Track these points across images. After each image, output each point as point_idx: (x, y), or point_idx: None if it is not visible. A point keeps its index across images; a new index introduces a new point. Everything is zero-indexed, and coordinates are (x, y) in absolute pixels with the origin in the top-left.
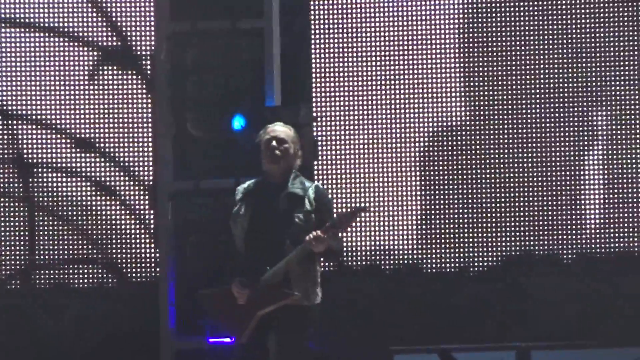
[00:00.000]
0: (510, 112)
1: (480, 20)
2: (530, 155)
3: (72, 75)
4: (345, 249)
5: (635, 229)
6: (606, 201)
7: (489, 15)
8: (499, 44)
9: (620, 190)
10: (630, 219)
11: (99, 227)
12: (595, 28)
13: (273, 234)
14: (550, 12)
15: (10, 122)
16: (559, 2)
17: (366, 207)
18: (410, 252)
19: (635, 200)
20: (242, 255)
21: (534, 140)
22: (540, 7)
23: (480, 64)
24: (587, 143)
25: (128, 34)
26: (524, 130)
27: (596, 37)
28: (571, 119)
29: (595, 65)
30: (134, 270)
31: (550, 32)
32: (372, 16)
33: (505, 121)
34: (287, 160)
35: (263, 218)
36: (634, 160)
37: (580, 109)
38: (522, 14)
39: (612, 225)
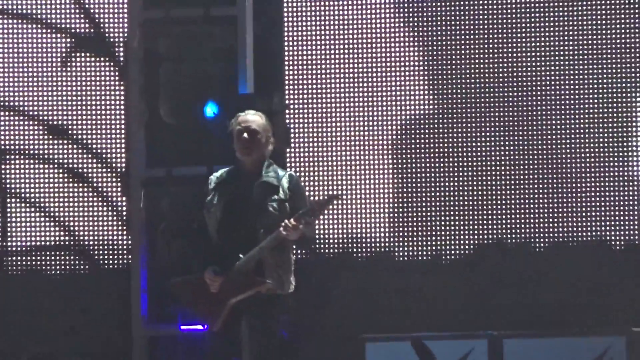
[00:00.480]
0: (481, 100)
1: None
2: (503, 144)
3: (44, 62)
4: (318, 236)
5: (607, 218)
6: (577, 191)
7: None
8: (464, 33)
9: (591, 180)
10: (602, 208)
11: (71, 214)
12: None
13: (246, 223)
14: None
15: None
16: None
17: (339, 194)
18: (382, 240)
19: (606, 190)
20: (215, 244)
21: (507, 129)
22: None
23: (450, 50)
24: (559, 133)
25: (101, 20)
26: (497, 120)
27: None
28: (543, 108)
29: (559, 56)
30: (106, 257)
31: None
32: (345, 4)
33: (478, 110)
34: (260, 150)
35: (236, 207)
36: (605, 150)
37: (549, 98)
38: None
39: (583, 214)
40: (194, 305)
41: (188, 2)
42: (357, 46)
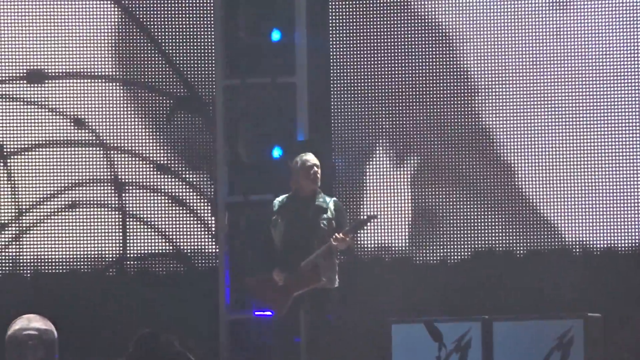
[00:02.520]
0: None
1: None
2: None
3: (155, 118)
4: (356, 246)
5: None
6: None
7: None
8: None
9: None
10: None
11: (175, 229)
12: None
13: (303, 236)
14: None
15: (110, 152)
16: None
17: (375, 215)
18: (403, 247)
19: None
20: (280, 252)
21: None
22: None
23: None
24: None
25: (195, 86)
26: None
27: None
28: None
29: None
30: (199, 261)
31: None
32: (379, 72)
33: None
34: (318, 180)
35: (296, 224)
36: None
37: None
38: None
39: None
40: (265, 296)
41: (259, 73)
42: (388, 102)
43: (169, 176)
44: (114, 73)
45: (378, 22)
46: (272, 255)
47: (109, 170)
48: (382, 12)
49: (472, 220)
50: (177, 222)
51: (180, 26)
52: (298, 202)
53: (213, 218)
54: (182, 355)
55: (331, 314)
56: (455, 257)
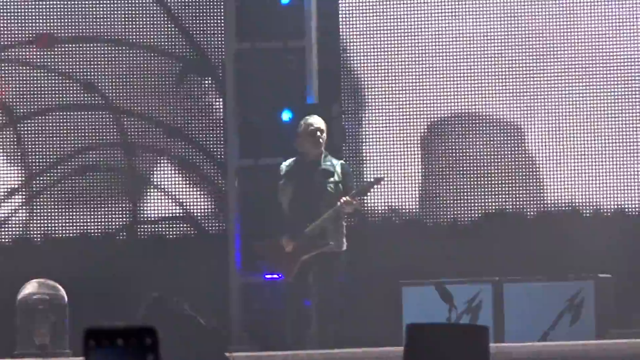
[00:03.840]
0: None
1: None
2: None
3: (165, 80)
4: (364, 208)
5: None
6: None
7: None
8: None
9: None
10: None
11: (185, 192)
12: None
13: (311, 199)
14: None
15: (119, 115)
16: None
17: (382, 177)
18: (414, 209)
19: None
20: (287, 216)
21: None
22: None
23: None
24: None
25: (205, 49)
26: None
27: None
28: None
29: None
30: (209, 225)
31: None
32: (387, 44)
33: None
34: (322, 145)
35: (303, 188)
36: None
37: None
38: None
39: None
40: (274, 260)
41: (269, 37)
42: (394, 70)
43: (179, 140)
44: (123, 36)
45: None
46: (281, 219)
47: (118, 134)
48: None
49: (483, 182)
50: (188, 186)
51: None
52: (304, 165)
53: (223, 181)
54: (191, 319)
55: (341, 277)
56: (466, 219)
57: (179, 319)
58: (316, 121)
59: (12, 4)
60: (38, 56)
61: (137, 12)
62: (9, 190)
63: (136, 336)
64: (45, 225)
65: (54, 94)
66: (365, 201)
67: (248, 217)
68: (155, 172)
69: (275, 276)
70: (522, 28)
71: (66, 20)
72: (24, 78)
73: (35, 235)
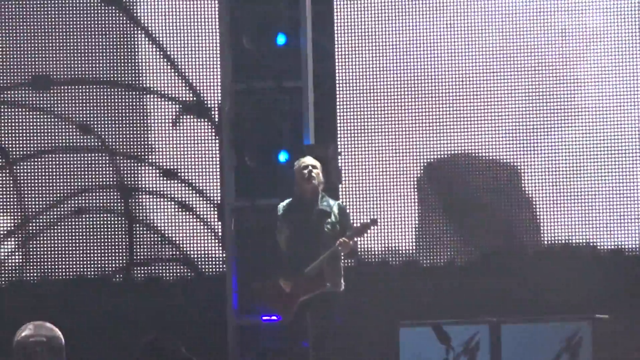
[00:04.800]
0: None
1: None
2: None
3: (161, 122)
4: (360, 249)
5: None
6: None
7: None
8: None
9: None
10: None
11: (181, 234)
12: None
13: (308, 240)
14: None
15: (115, 157)
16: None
17: (376, 219)
18: (409, 250)
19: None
20: (285, 256)
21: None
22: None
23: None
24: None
25: (202, 92)
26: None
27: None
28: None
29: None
30: (206, 267)
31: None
32: (384, 81)
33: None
34: (316, 185)
35: (301, 228)
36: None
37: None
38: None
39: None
40: (271, 302)
41: (265, 77)
42: (391, 112)
43: (175, 181)
44: (119, 78)
45: (383, 25)
46: (279, 260)
47: (115, 176)
48: (386, 14)
49: (479, 222)
50: (184, 228)
51: (186, 31)
52: (301, 206)
53: (220, 223)
54: None
55: (338, 317)
56: (462, 259)
57: None
58: (308, 159)
59: (8, 45)
60: (34, 98)
61: (133, 54)
62: (5, 232)
63: None
64: (42, 267)
65: (50, 136)
66: (362, 242)
67: (245, 258)
68: (151, 214)
69: (273, 317)
70: (518, 68)
71: (62, 62)
72: (20, 120)
73: (31, 277)
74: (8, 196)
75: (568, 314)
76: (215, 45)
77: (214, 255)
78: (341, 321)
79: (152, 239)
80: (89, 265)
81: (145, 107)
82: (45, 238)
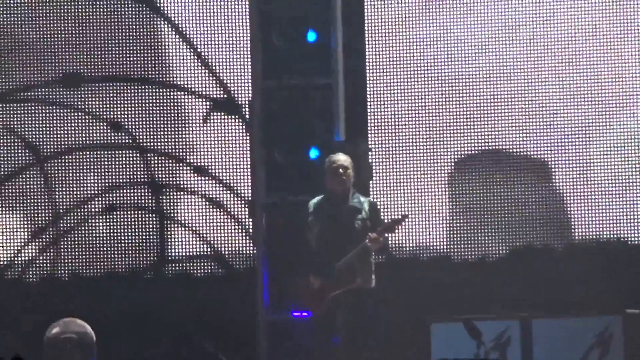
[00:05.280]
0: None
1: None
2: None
3: (192, 119)
4: (391, 245)
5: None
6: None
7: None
8: None
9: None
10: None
11: (213, 230)
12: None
13: (339, 237)
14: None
15: (147, 155)
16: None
17: (407, 215)
18: (441, 246)
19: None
20: (316, 252)
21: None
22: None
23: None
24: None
25: (233, 88)
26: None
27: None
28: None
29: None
30: (237, 263)
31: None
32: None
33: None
34: (349, 182)
35: (331, 225)
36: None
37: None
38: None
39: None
40: (302, 298)
41: (295, 74)
42: (421, 105)
43: (207, 178)
44: (149, 75)
45: (413, 21)
46: (309, 256)
47: (146, 173)
48: (417, 10)
49: (510, 218)
50: (215, 224)
51: (217, 28)
52: (332, 203)
53: (250, 220)
54: (214, 356)
55: (369, 314)
56: (493, 254)
57: (202, 357)
58: (341, 159)
59: (39, 43)
60: (65, 96)
61: (164, 51)
62: (37, 229)
63: None
64: (73, 263)
65: (81, 134)
66: (393, 238)
67: (276, 255)
68: (182, 211)
69: (304, 313)
70: (549, 64)
71: (93, 60)
72: (51, 117)
73: (62, 274)
74: (39, 193)
75: (599, 309)
76: (246, 42)
77: (244, 252)
78: (372, 317)
79: (183, 235)
80: (120, 262)
81: (175, 104)
82: (76, 235)
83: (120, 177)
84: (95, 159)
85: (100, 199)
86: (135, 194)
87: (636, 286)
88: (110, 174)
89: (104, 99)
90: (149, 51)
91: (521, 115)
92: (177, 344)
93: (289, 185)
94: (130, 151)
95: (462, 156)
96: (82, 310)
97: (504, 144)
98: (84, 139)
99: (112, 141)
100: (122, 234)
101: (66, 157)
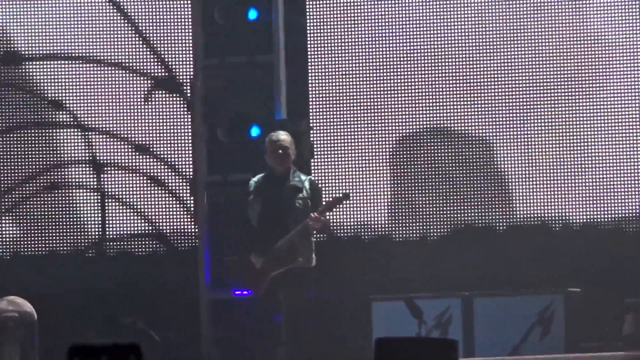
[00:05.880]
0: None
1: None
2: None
3: (133, 98)
4: (332, 224)
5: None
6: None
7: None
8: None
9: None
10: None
11: (154, 209)
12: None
13: (280, 215)
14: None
15: (88, 133)
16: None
17: (348, 194)
18: (382, 225)
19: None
20: (256, 231)
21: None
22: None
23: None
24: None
25: (174, 66)
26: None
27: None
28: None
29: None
30: (179, 241)
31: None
32: (358, 54)
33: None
34: (289, 161)
35: (271, 204)
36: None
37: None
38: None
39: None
40: (243, 276)
41: (237, 52)
42: (367, 89)
43: (148, 157)
44: (90, 54)
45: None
46: (250, 235)
47: (87, 151)
48: None
49: (452, 197)
50: (157, 203)
51: (157, 6)
52: (273, 181)
53: (192, 198)
54: (145, 333)
55: (310, 293)
56: (435, 233)
57: (132, 335)
58: (281, 137)
59: None
60: (5, 73)
61: (104, 29)
62: None
63: (120, 353)
64: (14, 242)
65: (22, 112)
66: (334, 217)
67: (217, 234)
68: (123, 189)
69: (245, 292)
70: (489, 39)
71: (33, 38)
72: None
73: (4, 253)
74: None
75: (540, 287)
76: (187, 20)
77: (186, 230)
78: (314, 296)
79: (124, 214)
80: (61, 241)
81: (116, 82)
82: (17, 213)
83: (62, 155)
84: (36, 138)
85: (41, 177)
86: (77, 173)
87: (577, 265)
88: (51, 152)
89: (44, 77)
90: (90, 29)
91: (463, 93)
92: (112, 322)
93: (230, 164)
94: (72, 129)
95: (404, 134)
96: (24, 289)
97: (445, 123)
98: (25, 117)
99: (53, 119)
100: (64, 212)
101: (7, 135)
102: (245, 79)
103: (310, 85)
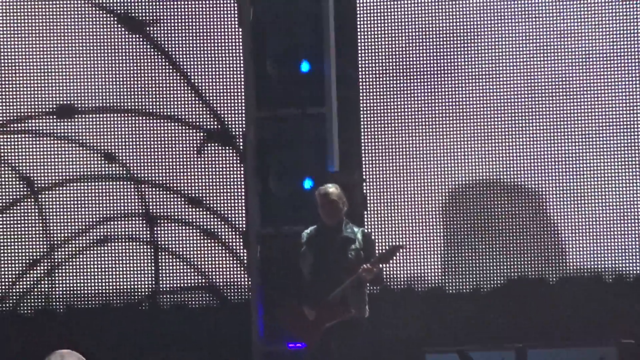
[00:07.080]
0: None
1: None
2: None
3: (186, 150)
4: (385, 276)
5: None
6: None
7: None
8: None
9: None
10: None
11: (207, 262)
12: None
13: (332, 267)
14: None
15: (140, 186)
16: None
17: (402, 245)
18: (435, 276)
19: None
20: (308, 283)
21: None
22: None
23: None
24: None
25: (226, 119)
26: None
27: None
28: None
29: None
30: (232, 294)
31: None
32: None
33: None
34: (338, 214)
35: (324, 255)
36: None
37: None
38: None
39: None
40: (296, 329)
41: (289, 104)
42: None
43: (201, 209)
44: (143, 106)
45: (406, 50)
46: (303, 287)
47: (140, 204)
48: (410, 40)
49: (504, 249)
50: (210, 255)
51: (210, 59)
52: (325, 233)
53: (245, 250)
54: None
55: (363, 344)
56: (488, 285)
57: None
58: (330, 190)
59: (33, 74)
60: (59, 127)
61: (157, 82)
62: (32, 261)
63: None
64: (68, 295)
65: (75, 165)
66: (387, 269)
67: (270, 286)
68: (176, 242)
69: (298, 345)
70: (543, 95)
71: (87, 91)
72: (45, 149)
73: (57, 306)
74: (33, 225)
75: (594, 339)
76: (239, 72)
77: (239, 283)
78: (366, 348)
79: (177, 266)
80: (115, 294)
81: (169, 134)
82: (71, 266)
83: (115, 208)
84: (89, 191)
85: (94, 230)
86: (130, 226)
87: (631, 317)
88: (104, 205)
89: (98, 130)
90: (143, 82)
91: (515, 146)
92: None
93: (283, 216)
94: (124, 182)
95: (456, 186)
96: (77, 342)
97: (498, 175)
98: (78, 170)
99: (107, 172)
100: (117, 265)
101: (60, 188)
102: (297, 130)
103: (362, 136)
